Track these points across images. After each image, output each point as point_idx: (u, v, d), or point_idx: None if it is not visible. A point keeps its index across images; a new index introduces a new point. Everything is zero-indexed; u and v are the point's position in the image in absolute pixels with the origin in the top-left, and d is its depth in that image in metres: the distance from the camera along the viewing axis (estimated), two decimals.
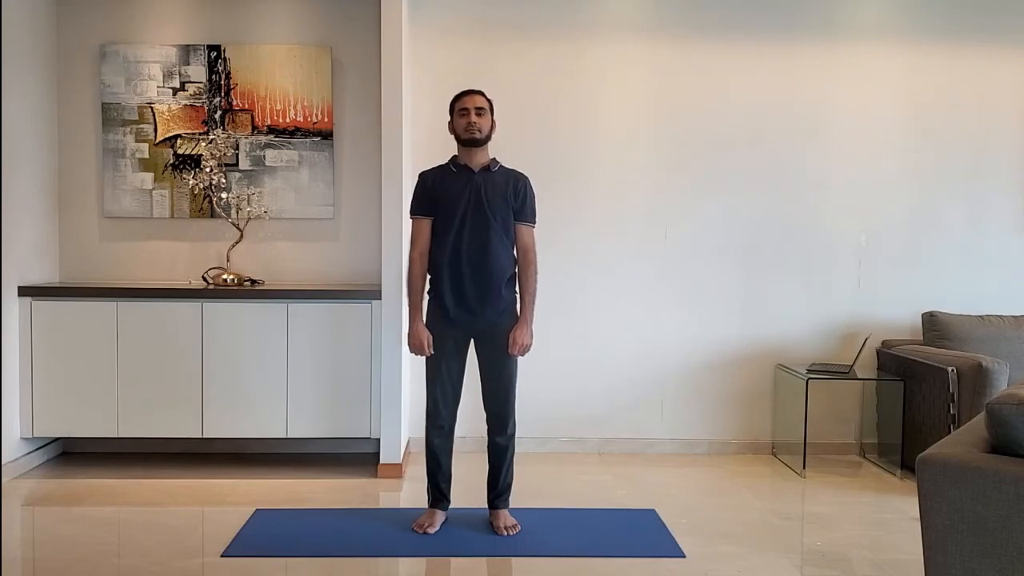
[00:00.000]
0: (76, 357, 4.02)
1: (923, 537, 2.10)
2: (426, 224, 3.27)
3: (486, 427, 3.34)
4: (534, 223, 3.34)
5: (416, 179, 3.33)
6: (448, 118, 3.30)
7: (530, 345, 3.27)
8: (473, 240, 3.19)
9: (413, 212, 3.31)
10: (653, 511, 3.53)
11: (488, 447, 3.35)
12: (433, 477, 3.35)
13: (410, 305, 3.29)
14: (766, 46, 4.51)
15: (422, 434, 3.45)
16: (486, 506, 3.39)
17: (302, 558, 3.04)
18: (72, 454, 4.36)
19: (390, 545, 3.16)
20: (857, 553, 3.19)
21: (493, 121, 3.28)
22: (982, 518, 2.00)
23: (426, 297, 3.32)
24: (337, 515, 3.45)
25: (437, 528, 3.29)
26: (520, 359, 3.31)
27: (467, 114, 3.20)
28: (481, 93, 3.27)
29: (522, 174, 3.34)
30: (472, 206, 3.20)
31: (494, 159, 3.31)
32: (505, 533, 3.27)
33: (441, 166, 3.32)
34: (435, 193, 3.24)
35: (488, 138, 3.26)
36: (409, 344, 3.28)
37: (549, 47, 4.49)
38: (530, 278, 3.29)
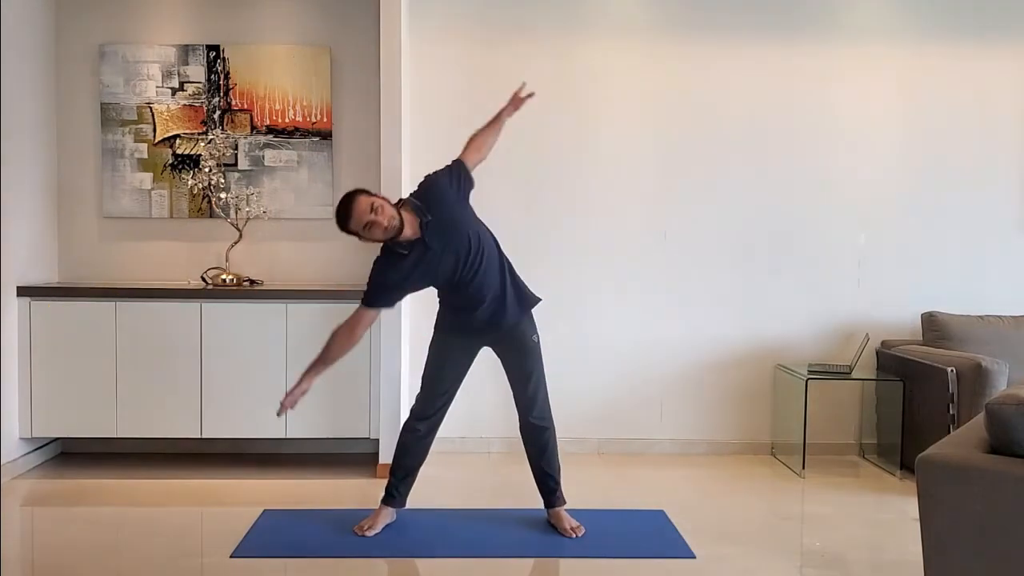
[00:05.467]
0: (75, 357, 4.02)
1: (923, 537, 2.10)
2: (373, 314, 3.08)
3: (520, 428, 3.31)
4: (469, 165, 3.20)
5: (378, 266, 3.07)
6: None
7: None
8: (469, 289, 3.10)
9: (368, 302, 3.04)
10: (662, 512, 3.53)
11: (524, 439, 3.30)
12: (397, 471, 3.28)
13: (313, 363, 3.06)
14: (766, 46, 4.51)
15: None
16: (490, 507, 3.37)
17: (313, 559, 3.03)
18: (71, 454, 4.36)
19: (397, 545, 3.15)
20: (856, 553, 3.19)
21: (393, 206, 2.97)
22: (982, 518, 2.00)
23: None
24: (343, 516, 3.42)
25: (379, 530, 3.22)
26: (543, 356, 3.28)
27: (376, 226, 2.91)
28: (364, 200, 2.91)
29: (425, 179, 3.14)
30: (449, 270, 3.04)
31: (408, 208, 3.02)
32: (572, 535, 3.22)
33: (390, 254, 3.03)
34: (403, 285, 3.08)
35: (399, 223, 2.94)
36: (285, 398, 3.05)
37: (548, 47, 4.48)
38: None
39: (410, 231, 2.98)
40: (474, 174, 3.20)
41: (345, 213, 2.93)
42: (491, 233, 3.19)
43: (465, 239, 3.04)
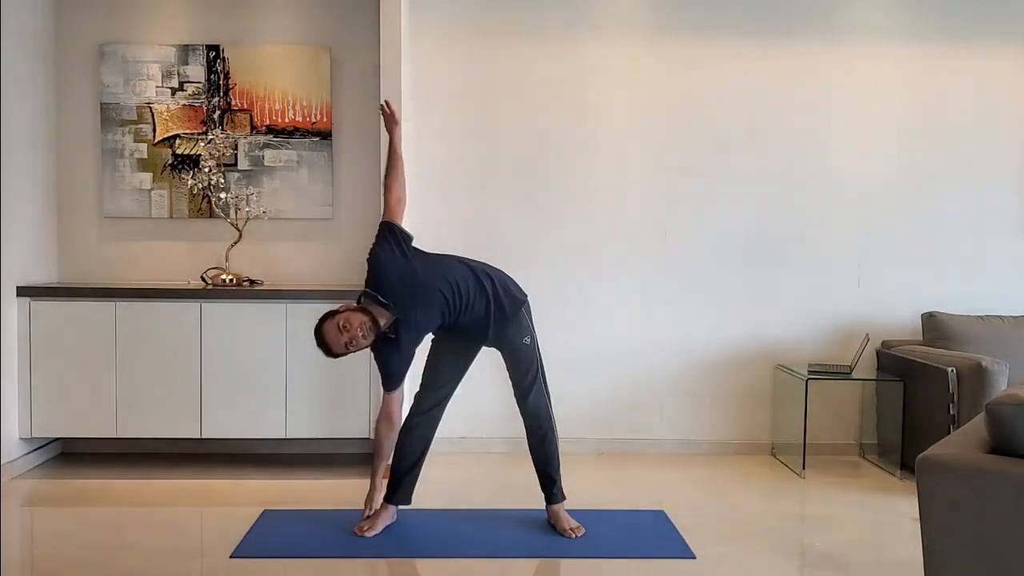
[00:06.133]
0: (75, 357, 4.02)
1: (923, 537, 2.10)
2: (399, 392, 3.17)
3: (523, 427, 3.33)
4: (399, 219, 3.22)
5: (379, 357, 3.15)
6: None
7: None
8: (461, 321, 3.15)
9: (390, 388, 3.13)
10: (662, 512, 3.53)
11: (526, 434, 3.32)
12: (397, 468, 3.30)
13: (373, 465, 3.24)
14: (766, 46, 4.51)
15: None
16: (490, 507, 3.37)
17: (313, 559, 3.03)
18: (71, 454, 4.36)
19: (397, 545, 3.15)
20: (857, 554, 3.18)
21: (357, 310, 3.02)
22: (982, 518, 2.00)
23: None
24: (343, 516, 3.41)
25: (379, 531, 3.23)
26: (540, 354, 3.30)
27: (355, 339, 2.98)
28: (343, 335, 2.98)
29: (369, 260, 3.14)
30: (438, 321, 3.12)
31: (369, 301, 3.06)
32: (571, 535, 3.23)
33: (384, 343, 3.09)
34: (412, 356, 3.18)
35: (372, 320, 2.99)
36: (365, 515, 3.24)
37: (549, 47, 4.48)
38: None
39: (384, 320, 3.04)
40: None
41: (324, 346, 3.03)
42: (456, 259, 3.23)
43: (437, 294, 3.08)
